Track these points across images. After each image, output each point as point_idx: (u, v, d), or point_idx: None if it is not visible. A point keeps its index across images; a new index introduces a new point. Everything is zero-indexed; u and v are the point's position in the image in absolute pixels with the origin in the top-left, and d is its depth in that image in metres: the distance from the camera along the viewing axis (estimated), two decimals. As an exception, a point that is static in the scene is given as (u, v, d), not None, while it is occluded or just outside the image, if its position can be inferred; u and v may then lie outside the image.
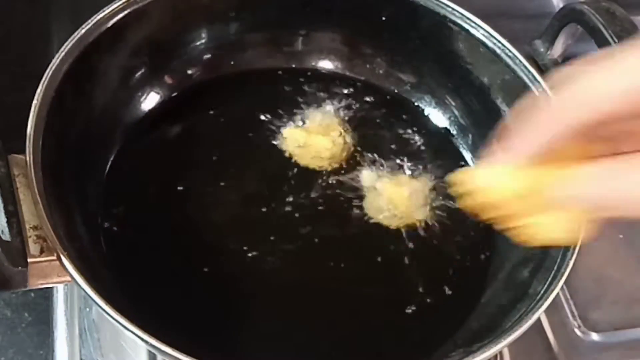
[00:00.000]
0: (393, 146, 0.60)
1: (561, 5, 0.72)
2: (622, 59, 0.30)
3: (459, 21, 0.58)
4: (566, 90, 0.31)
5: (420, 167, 0.58)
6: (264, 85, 0.62)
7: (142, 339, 0.40)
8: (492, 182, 0.34)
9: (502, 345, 0.44)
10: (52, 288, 0.59)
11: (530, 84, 0.55)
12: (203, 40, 0.61)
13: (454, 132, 0.62)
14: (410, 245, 0.54)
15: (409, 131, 0.61)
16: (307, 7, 0.61)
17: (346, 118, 0.61)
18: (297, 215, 0.55)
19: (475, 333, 0.48)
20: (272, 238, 0.53)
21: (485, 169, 0.34)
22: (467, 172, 0.35)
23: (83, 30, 0.52)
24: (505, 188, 0.34)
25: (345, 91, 0.62)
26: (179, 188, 0.55)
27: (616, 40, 0.52)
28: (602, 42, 0.52)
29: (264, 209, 0.55)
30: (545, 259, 0.49)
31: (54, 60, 0.50)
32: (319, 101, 0.61)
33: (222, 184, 0.56)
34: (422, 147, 0.60)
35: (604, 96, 0.31)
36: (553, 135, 0.32)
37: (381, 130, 0.61)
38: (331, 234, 0.54)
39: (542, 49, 0.58)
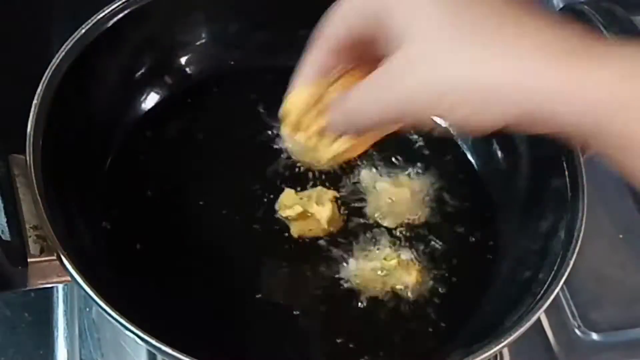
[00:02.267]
0: (393, 146, 0.60)
1: (561, 5, 0.72)
2: None
3: (459, 21, 0.58)
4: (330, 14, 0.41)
5: (421, 167, 0.58)
6: (263, 85, 0.62)
7: (142, 339, 0.40)
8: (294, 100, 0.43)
9: (502, 345, 0.44)
10: (52, 288, 0.59)
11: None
12: (203, 40, 0.61)
13: (454, 132, 0.61)
14: (410, 245, 0.54)
15: (409, 131, 0.61)
16: (307, 7, 0.61)
17: (346, 118, 0.61)
18: (297, 215, 0.55)
19: (475, 333, 0.48)
20: (272, 238, 0.53)
21: (295, 91, 0.43)
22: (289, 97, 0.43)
23: (83, 30, 0.52)
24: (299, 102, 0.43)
25: (345, 91, 0.62)
26: (179, 188, 0.55)
27: (616, 41, 0.51)
28: (602, 42, 0.52)
29: (264, 209, 0.55)
30: (545, 259, 0.49)
31: (54, 60, 0.50)
32: (319, 101, 0.61)
33: (221, 183, 0.56)
34: (422, 147, 0.60)
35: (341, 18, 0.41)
36: (325, 51, 0.42)
37: (381, 130, 0.61)
38: (331, 234, 0.54)
39: (542, 49, 0.58)
